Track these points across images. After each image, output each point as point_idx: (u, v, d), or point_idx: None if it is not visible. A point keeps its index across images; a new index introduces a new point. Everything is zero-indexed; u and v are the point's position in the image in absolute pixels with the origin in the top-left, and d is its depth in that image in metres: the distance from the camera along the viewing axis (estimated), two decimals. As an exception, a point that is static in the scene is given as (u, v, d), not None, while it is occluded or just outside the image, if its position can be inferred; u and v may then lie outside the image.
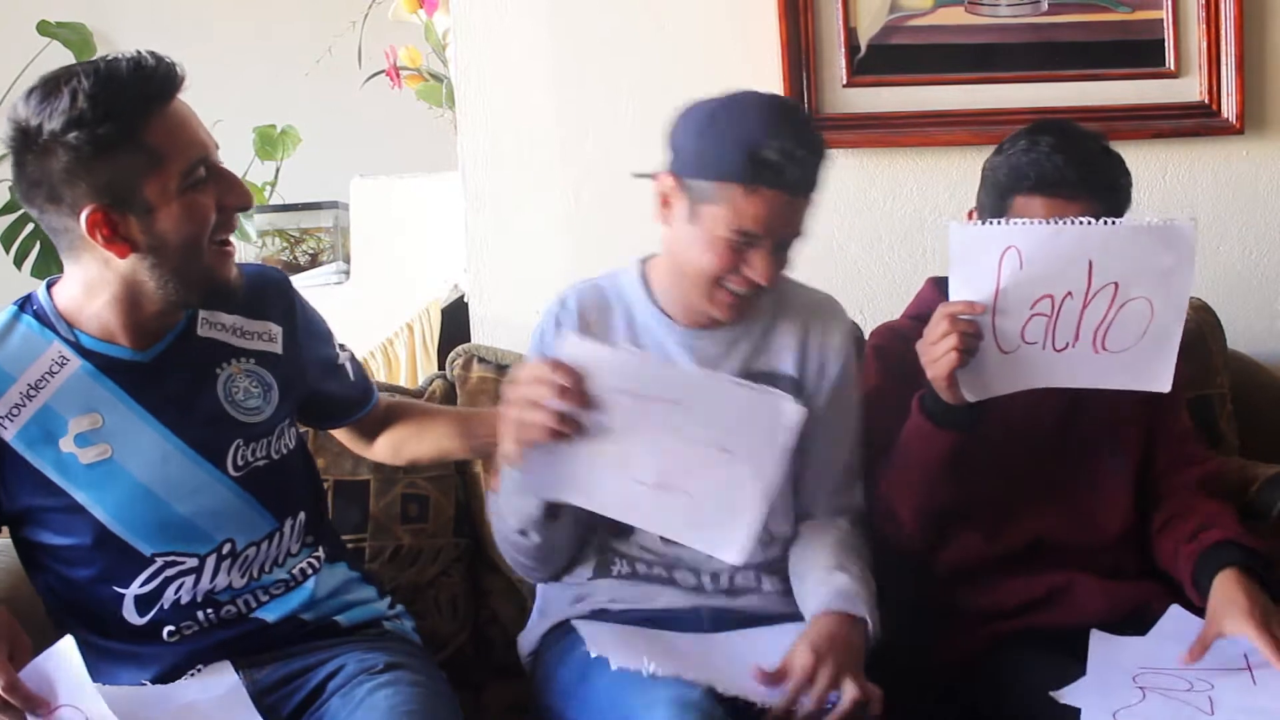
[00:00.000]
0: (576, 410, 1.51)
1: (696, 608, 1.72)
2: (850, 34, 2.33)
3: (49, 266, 3.58)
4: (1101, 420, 1.82)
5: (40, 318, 1.55)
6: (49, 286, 1.58)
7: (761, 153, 1.56)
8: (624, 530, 1.72)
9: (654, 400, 1.53)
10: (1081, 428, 1.82)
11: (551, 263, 2.35)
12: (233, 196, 1.52)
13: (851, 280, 2.40)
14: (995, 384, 1.66)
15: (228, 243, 1.55)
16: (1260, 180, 2.43)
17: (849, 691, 1.50)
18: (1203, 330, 2.19)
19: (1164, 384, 1.66)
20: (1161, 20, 2.37)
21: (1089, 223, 1.60)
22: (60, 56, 3.67)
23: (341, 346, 1.81)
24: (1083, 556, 1.78)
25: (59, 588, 1.59)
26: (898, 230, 2.40)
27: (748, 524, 1.56)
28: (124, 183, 1.44)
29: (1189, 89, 2.38)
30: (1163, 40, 2.37)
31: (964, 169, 2.39)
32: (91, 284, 1.52)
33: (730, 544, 1.56)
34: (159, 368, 1.57)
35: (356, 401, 1.83)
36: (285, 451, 1.67)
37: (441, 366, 2.16)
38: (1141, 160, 2.39)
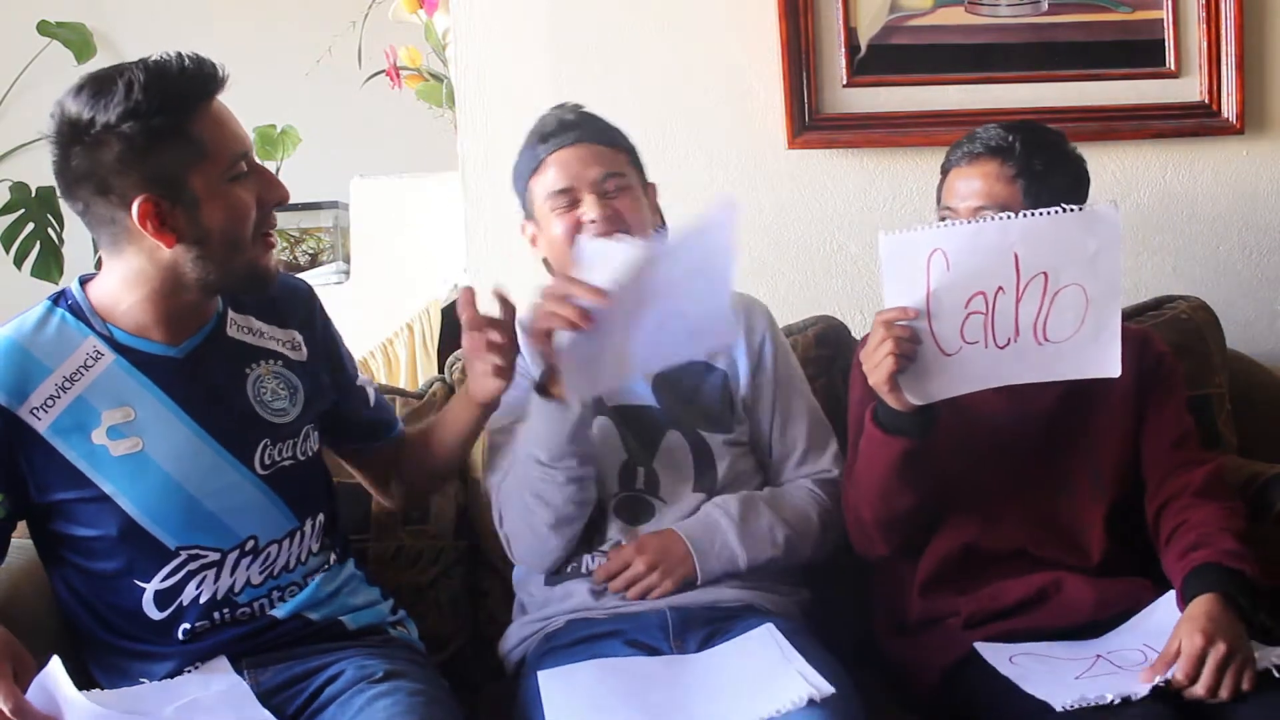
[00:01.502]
0: (595, 302, 1.61)
1: (660, 610, 1.75)
2: (850, 34, 2.33)
3: (49, 266, 3.59)
4: (1077, 429, 1.81)
5: (75, 312, 1.58)
6: (83, 283, 1.62)
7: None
8: (598, 532, 1.81)
9: (647, 277, 1.62)
10: (1056, 438, 1.82)
11: (551, 263, 2.35)
12: (272, 192, 1.58)
13: (851, 280, 2.41)
14: (940, 387, 1.68)
15: (269, 235, 1.59)
16: (1260, 180, 2.43)
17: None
18: (1202, 330, 2.19)
19: (1112, 368, 1.67)
20: (1161, 20, 2.37)
21: (1009, 217, 1.63)
22: (60, 56, 3.68)
23: (363, 377, 1.85)
24: (1070, 558, 1.78)
25: (78, 583, 1.60)
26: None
27: (722, 310, 1.71)
28: (173, 173, 1.49)
29: (1189, 89, 2.38)
30: (1163, 40, 2.37)
31: (964, 169, 2.39)
32: (131, 278, 1.56)
33: (719, 335, 1.79)
34: (191, 363, 1.60)
35: (377, 426, 1.84)
36: (310, 454, 1.70)
37: (441, 367, 2.16)
38: (1141, 160, 2.40)
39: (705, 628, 1.72)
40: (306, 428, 1.69)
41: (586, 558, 1.81)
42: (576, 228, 1.79)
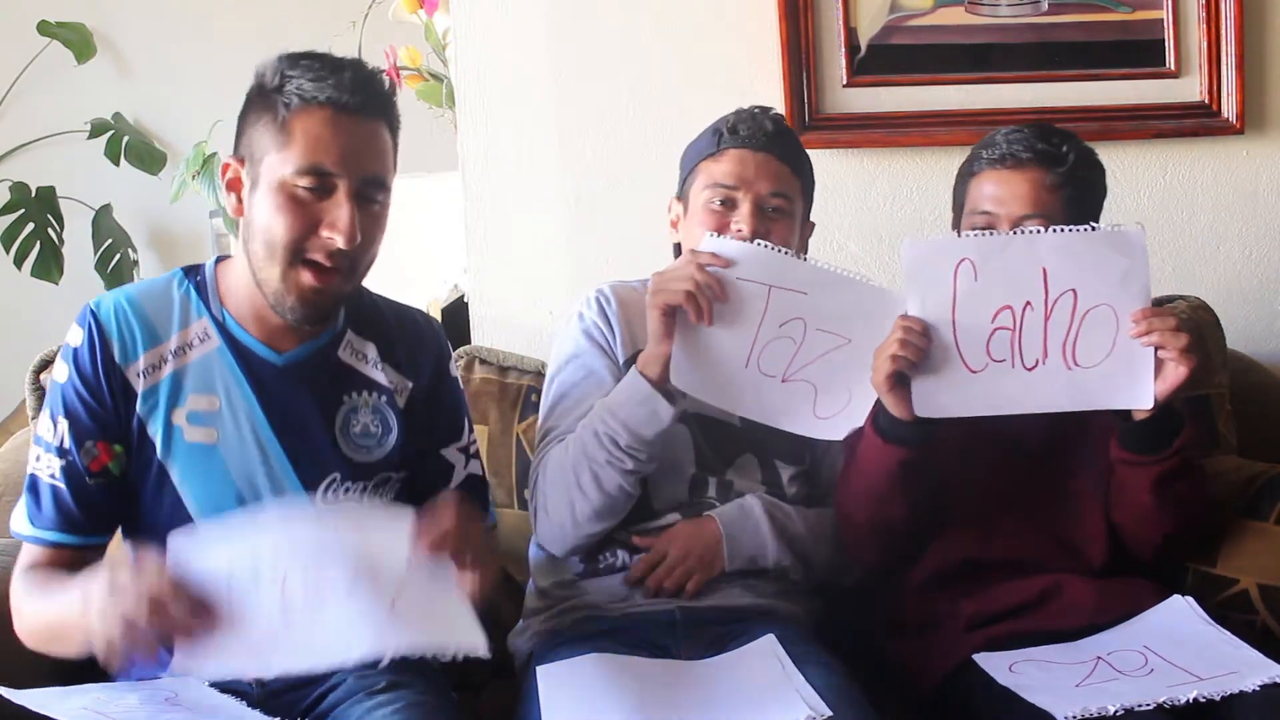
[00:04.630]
0: (713, 286, 1.65)
1: (670, 610, 1.74)
2: (850, 34, 2.33)
3: (49, 266, 3.59)
4: (1079, 438, 1.80)
5: (199, 289, 1.60)
6: (218, 262, 1.63)
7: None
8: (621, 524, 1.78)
9: (784, 289, 1.66)
10: (1058, 446, 1.81)
11: (551, 263, 2.35)
12: (330, 228, 1.49)
13: (851, 280, 2.40)
14: (958, 404, 1.64)
15: (314, 266, 1.51)
16: (1260, 180, 2.43)
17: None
18: (1202, 330, 2.18)
19: (1144, 399, 1.64)
20: (1161, 20, 2.37)
21: (1037, 231, 1.61)
22: (60, 56, 3.68)
23: (469, 451, 1.72)
24: (1071, 563, 1.77)
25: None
26: (898, 230, 2.39)
27: (860, 407, 1.71)
28: (257, 144, 1.52)
29: (1189, 89, 2.38)
30: (1163, 40, 2.37)
31: (964, 169, 2.39)
32: (240, 257, 1.58)
33: (841, 428, 1.73)
34: (289, 375, 1.59)
35: None
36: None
37: (442, 367, 2.15)
38: (1141, 160, 2.40)
39: (714, 629, 1.72)
40: (384, 474, 1.63)
41: (623, 553, 1.79)
42: (723, 230, 1.75)
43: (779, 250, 1.70)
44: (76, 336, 1.56)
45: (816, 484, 1.90)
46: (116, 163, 3.66)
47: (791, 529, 1.80)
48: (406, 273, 2.91)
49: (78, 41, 3.68)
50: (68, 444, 1.54)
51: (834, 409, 1.72)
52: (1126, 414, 1.68)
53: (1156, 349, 1.62)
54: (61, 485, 1.54)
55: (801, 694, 1.52)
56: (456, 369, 1.77)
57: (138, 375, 1.55)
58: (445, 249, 2.70)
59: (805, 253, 1.85)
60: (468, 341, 2.32)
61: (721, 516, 1.78)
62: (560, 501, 1.75)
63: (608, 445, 1.70)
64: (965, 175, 1.83)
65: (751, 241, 1.71)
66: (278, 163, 1.49)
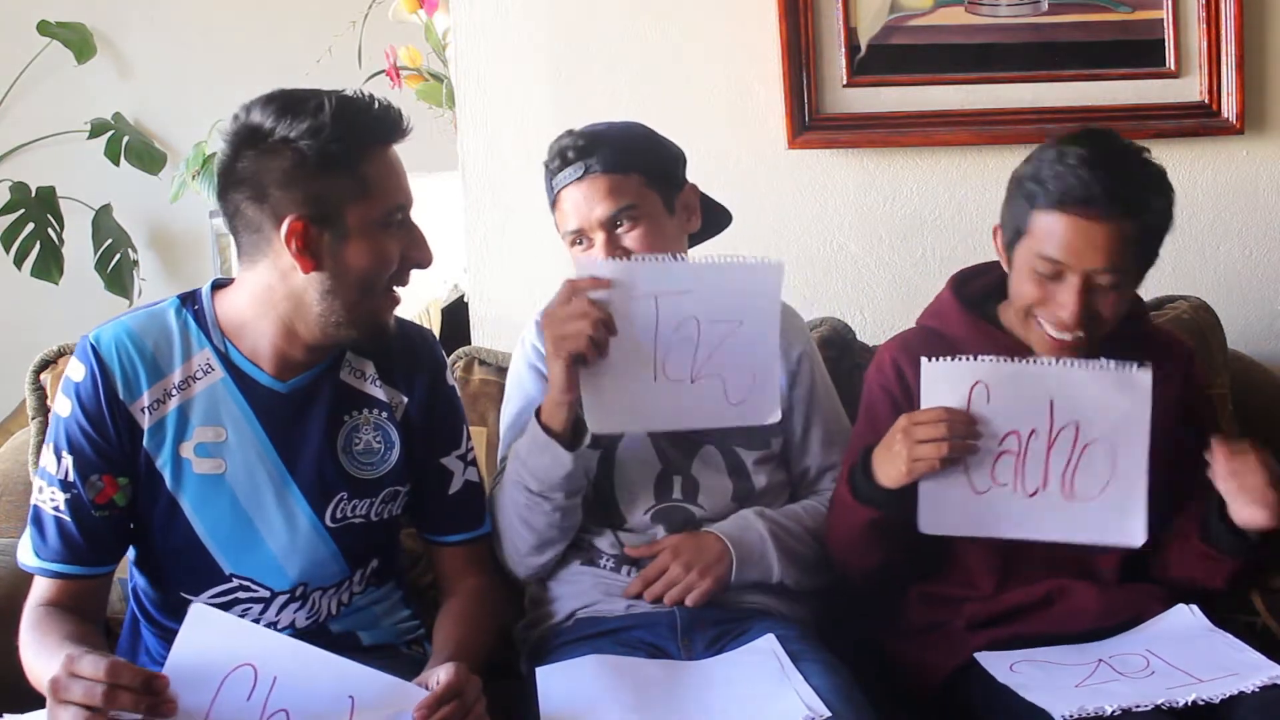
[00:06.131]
0: (608, 321, 1.63)
1: (670, 610, 1.74)
2: (850, 34, 2.33)
3: (49, 266, 3.59)
4: None
5: (199, 319, 1.59)
6: (215, 288, 1.61)
7: None
8: (608, 525, 1.80)
9: (669, 294, 1.65)
10: None
11: (551, 263, 2.34)
12: (417, 251, 1.58)
13: (851, 280, 2.41)
14: (962, 523, 1.65)
15: (395, 290, 1.58)
16: (1260, 180, 2.43)
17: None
18: (1203, 330, 2.19)
19: (1135, 538, 1.65)
20: (1161, 20, 2.37)
21: (1049, 363, 1.61)
22: (60, 56, 3.68)
23: (466, 459, 1.74)
24: (1078, 568, 1.76)
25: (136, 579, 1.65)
26: (898, 230, 2.40)
27: (771, 383, 1.73)
28: (332, 202, 1.49)
29: (1189, 89, 2.38)
30: (1163, 40, 2.37)
31: (964, 169, 2.39)
32: (259, 294, 1.55)
33: (763, 410, 1.73)
34: (293, 402, 1.60)
35: (445, 520, 1.74)
36: (385, 517, 1.67)
37: (442, 367, 2.15)
38: (1141, 160, 2.39)
39: (714, 629, 1.72)
40: (392, 489, 1.66)
41: (600, 541, 1.80)
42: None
43: (651, 259, 1.69)
44: (78, 371, 1.56)
45: (791, 467, 1.90)
46: (116, 163, 3.66)
47: (793, 540, 1.79)
48: (406, 273, 2.91)
49: (78, 41, 3.68)
50: (72, 478, 1.55)
51: (742, 392, 1.71)
52: (1223, 514, 1.65)
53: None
54: (66, 518, 1.55)
55: (801, 694, 1.52)
56: (453, 377, 1.78)
57: (143, 410, 1.55)
58: (445, 249, 2.69)
59: (698, 214, 1.87)
60: (468, 341, 2.31)
61: (724, 532, 1.77)
62: (507, 535, 1.77)
63: (524, 490, 1.72)
64: (1025, 199, 1.67)
65: (618, 257, 1.72)
66: (366, 209, 1.51)
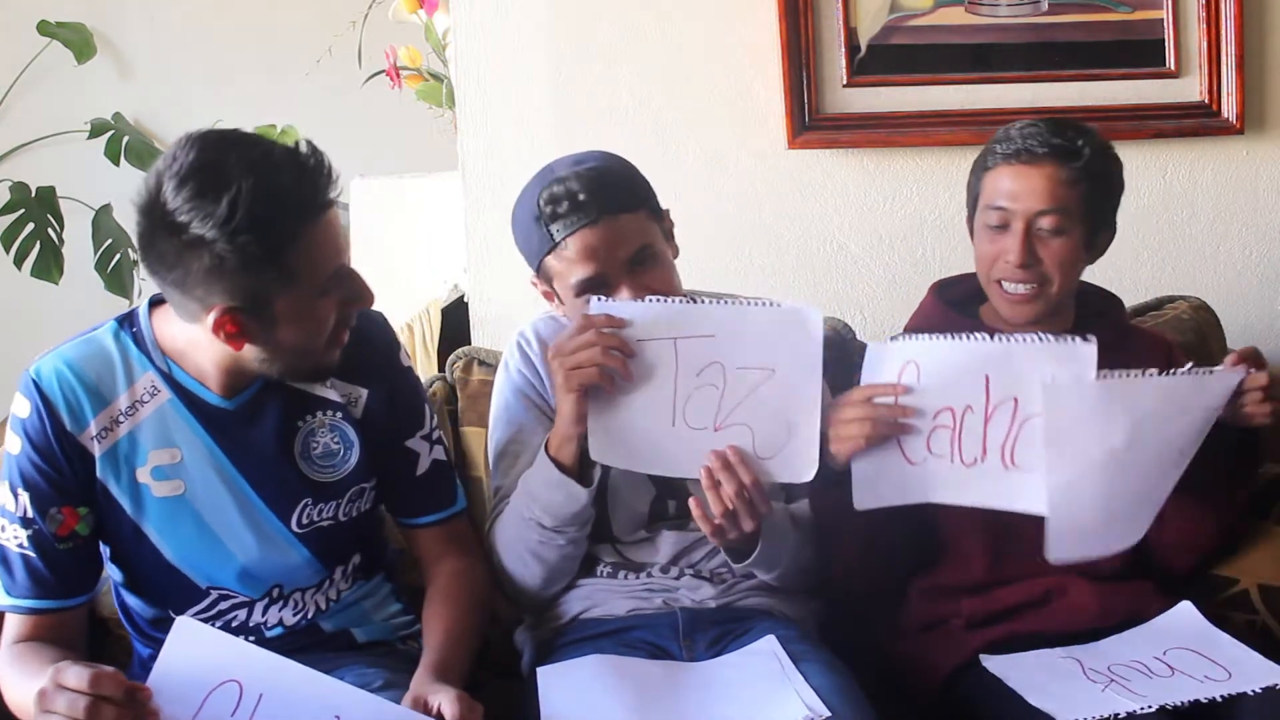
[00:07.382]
0: (621, 350, 1.57)
1: (672, 611, 1.74)
2: (850, 34, 2.33)
3: (49, 266, 3.59)
4: None
5: (139, 341, 1.56)
6: (152, 304, 1.57)
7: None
8: (605, 541, 1.78)
9: (689, 338, 1.59)
10: None
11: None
12: (356, 299, 1.53)
13: (851, 280, 2.41)
14: (894, 493, 1.63)
15: (343, 334, 1.55)
16: (1260, 180, 2.42)
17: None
18: (1203, 330, 2.19)
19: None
20: (1161, 20, 2.37)
21: (984, 338, 1.59)
22: (60, 56, 3.68)
23: (431, 438, 1.72)
24: (1077, 565, 1.74)
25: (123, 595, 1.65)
26: (898, 230, 2.40)
27: (810, 437, 1.62)
28: (258, 294, 1.43)
29: (1189, 89, 2.38)
30: (1163, 40, 2.37)
31: (964, 169, 2.35)
32: (196, 342, 1.52)
33: (798, 466, 1.63)
34: (243, 415, 1.58)
35: (417, 501, 1.73)
36: (355, 515, 1.66)
37: (441, 367, 2.15)
38: (1141, 160, 2.39)
39: (715, 629, 1.72)
40: (357, 487, 1.65)
41: (597, 549, 1.79)
42: None
43: (670, 301, 1.61)
44: (23, 408, 1.54)
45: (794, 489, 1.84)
46: (116, 163, 3.66)
47: (789, 544, 1.77)
48: (407, 272, 2.92)
49: (78, 41, 3.68)
50: (30, 514, 1.53)
51: (775, 446, 1.63)
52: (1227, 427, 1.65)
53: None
54: (31, 554, 1.54)
55: (801, 695, 1.52)
56: (407, 358, 1.74)
57: (91, 439, 1.53)
58: (445, 249, 2.70)
59: (671, 240, 1.77)
60: (468, 341, 2.32)
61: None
62: (513, 569, 1.76)
63: (536, 528, 1.70)
64: (980, 169, 1.81)
65: (640, 299, 1.63)
66: (295, 294, 1.44)
